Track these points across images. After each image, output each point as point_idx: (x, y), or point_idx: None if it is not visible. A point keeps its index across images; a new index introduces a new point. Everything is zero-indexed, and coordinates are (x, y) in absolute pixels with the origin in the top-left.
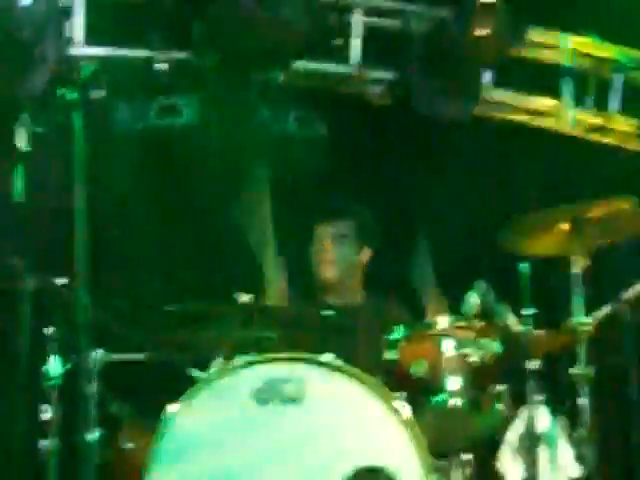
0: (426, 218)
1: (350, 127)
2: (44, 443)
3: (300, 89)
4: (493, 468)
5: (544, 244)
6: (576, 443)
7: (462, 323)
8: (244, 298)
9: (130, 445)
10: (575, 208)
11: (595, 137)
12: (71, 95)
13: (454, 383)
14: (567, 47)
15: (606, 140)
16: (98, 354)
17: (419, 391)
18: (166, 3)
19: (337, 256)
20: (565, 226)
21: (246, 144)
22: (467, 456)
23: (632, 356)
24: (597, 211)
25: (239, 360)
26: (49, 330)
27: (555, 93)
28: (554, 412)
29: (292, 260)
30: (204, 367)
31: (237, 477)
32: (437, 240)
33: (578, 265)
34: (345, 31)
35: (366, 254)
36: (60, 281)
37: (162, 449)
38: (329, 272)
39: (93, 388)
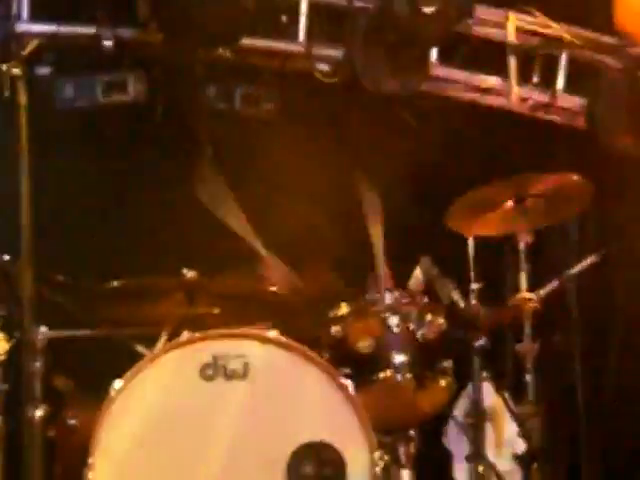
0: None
1: (297, 104)
2: None
3: (247, 66)
4: (439, 444)
5: (489, 223)
6: (520, 419)
7: (407, 299)
8: (189, 274)
9: (75, 421)
10: (518, 183)
11: (540, 115)
12: (16, 71)
13: (400, 359)
14: (513, 25)
15: (551, 118)
16: (42, 330)
17: (365, 367)
18: None
19: None
20: (509, 204)
21: (192, 121)
22: (412, 432)
23: (577, 331)
24: (541, 186)
25: (184, 336)
26: None
27: (500, 71)
28: (499, 388)
29: None
30: (149, 343)
31: (183, 452)
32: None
33: (523, 241)
34: (292, 9)
35: None
36: (3, 257)
37: (107, 425)
38: None
39: (37, 364)
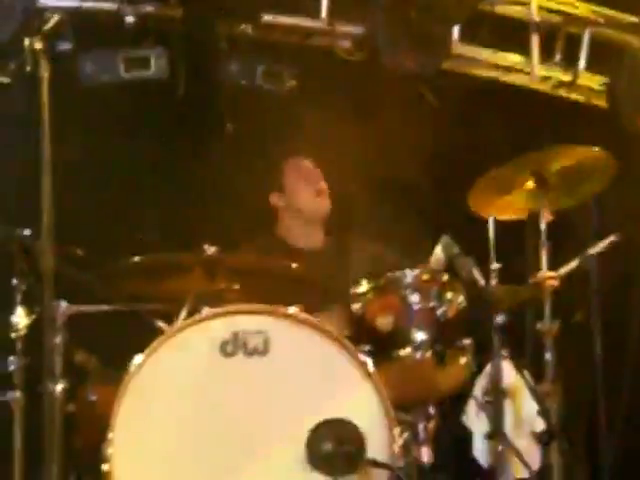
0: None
1: (319, 81)
2: (10, 394)
3: (268, 43)
4: (458, 422)
5: (510, 205)
6: (540, 397)
7: (427, 276)
8: (210, 250)
9: (95, 396)
10: (538, 159)
11: (562, 93)
12: (38, 46)
13: (420, 336)
14: (536, 2)
15: (573, 96)
16: (63, 305)
17: (385, 344)
18: None
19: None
20: (530, 184)
21: (214, 98)
22: (432, 410)
23: (597, 311)
24: (562, 161)
25: (204, 312)
26: (14, 281)
27: (523, 49)
28: (518, 366)
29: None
30: (169, 319)
31: (202, 429)
32: (405, 195)
33: (544, 220)
34: None
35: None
36: (25, 232)
37: (127, 400)
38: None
39: (58, 340)
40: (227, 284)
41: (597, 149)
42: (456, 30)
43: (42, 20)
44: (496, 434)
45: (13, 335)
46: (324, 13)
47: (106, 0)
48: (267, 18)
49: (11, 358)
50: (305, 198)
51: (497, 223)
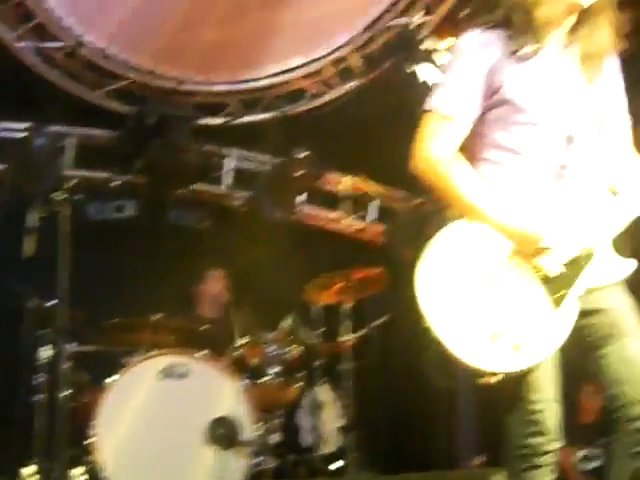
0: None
1: (221, 222)
2: (36, 398)
3: (193, 200)
4: (294, 421)
5: (328, 296)
6: (342, 406)
7: (279, 336)
8: (155, 317)
9: (87, 399)
10: (345, 274)
11: (359, 235)
12: (61, 197)
13: (273, 370)
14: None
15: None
16: (71, 346)
17: (254, 375)
18: (124, 147)
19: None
20: (341, 285)
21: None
22: (280, 412)
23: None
24: (358, 275)
25: (151, 353)
26: (42, 332)
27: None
28: (331, 389)
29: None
30: (132, 356)
31: (149, 417)
32: (266, 291)
33: (347, 304)
34: (221, 167)
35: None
36: (51, 302)
37: (105, 403)
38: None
39: (66, 366)
40: (166, 337)
41: (377, 269)
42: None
43: (65, 181)
44: (317, 428)
45: (40, 362)
46: (225, 183)
47: (102, 171)
48: (195, 186)
49: (37, 376)
50: (212, 292)
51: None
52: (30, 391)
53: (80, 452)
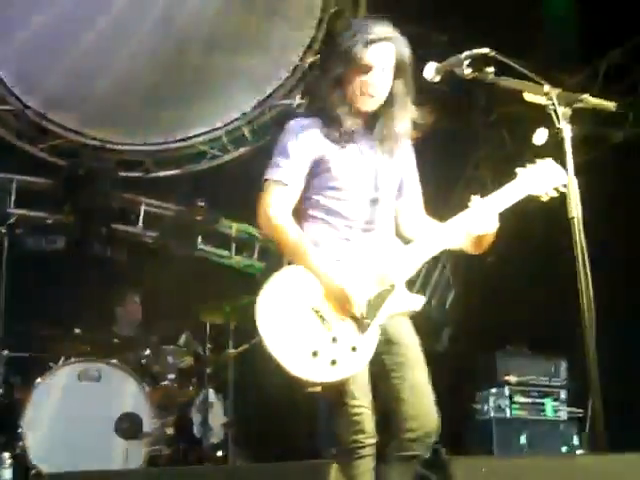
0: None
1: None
2: None
3: (113, 237)
4: (188, 417)
5: (218, 317)
6: (225, 407)
7: (177, 350)
8: (77, 330)
9: (19, 396)
10: (232, 299)
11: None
12: (3, 230)
13: (171, 377)
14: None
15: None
16: (5, 352)
17: (155, 379)
18: (58, 192)
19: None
20: (229, 308)
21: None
22: (175, 410)
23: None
24: (242, 301)
25: (72, 359)
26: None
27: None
28: (217, 392)
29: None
30: (56, 362)
31: (71, 418)
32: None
33: (233, 324)
34: (137, 211)
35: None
36: None
37: (31, 402)
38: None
39: (1, 369)
40: (84, 347)
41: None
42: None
43: (7, 218)
44: (205, 423)
45: None
46: (140, 224)
47: (39, 211)
48: (115, 225)
49: None
50: (128, 312)
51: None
52: None
53: (9, 439)
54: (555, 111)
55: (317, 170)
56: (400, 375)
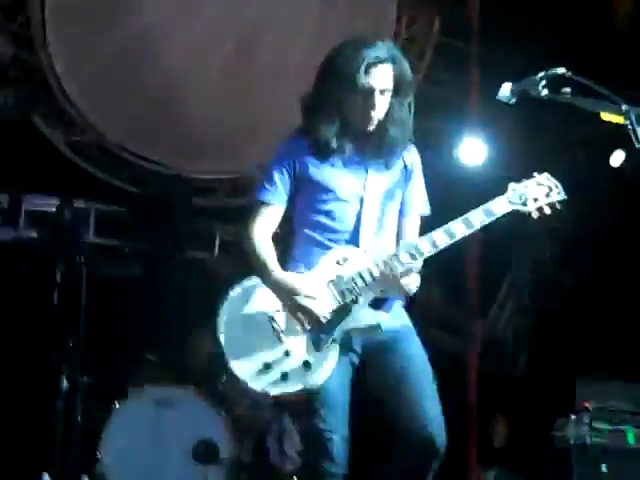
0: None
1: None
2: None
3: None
4: (265, 446)
5: None
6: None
7: None
8: (154, 357)
9: (97, 422)
10: None
11: None
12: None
13: (249, 401)
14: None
15: None
16: (84, 379)
17: (233, 406)
18: (132, 219)
19: None
20: None
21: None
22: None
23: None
24: None
25: (149, 386)
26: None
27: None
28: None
29: None
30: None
31: (151, 444)
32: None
33: None
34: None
35: None
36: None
37: (110, 425)
38: None
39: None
40: (161, 373)
41: None
42: None
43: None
44: (282, 450)
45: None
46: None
47: (115, 238)
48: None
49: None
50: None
51: None
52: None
53: (88, 465)
54: (634, 131)
55: (304, 187)
56: (399, 388)
